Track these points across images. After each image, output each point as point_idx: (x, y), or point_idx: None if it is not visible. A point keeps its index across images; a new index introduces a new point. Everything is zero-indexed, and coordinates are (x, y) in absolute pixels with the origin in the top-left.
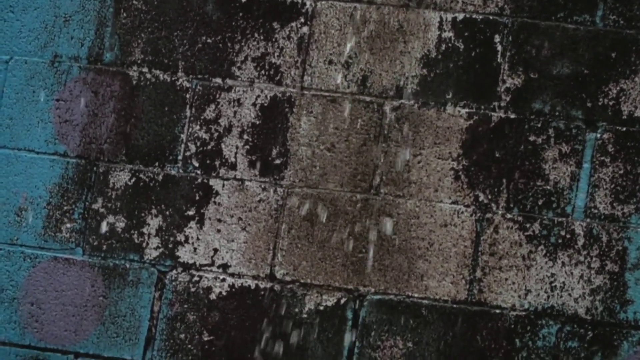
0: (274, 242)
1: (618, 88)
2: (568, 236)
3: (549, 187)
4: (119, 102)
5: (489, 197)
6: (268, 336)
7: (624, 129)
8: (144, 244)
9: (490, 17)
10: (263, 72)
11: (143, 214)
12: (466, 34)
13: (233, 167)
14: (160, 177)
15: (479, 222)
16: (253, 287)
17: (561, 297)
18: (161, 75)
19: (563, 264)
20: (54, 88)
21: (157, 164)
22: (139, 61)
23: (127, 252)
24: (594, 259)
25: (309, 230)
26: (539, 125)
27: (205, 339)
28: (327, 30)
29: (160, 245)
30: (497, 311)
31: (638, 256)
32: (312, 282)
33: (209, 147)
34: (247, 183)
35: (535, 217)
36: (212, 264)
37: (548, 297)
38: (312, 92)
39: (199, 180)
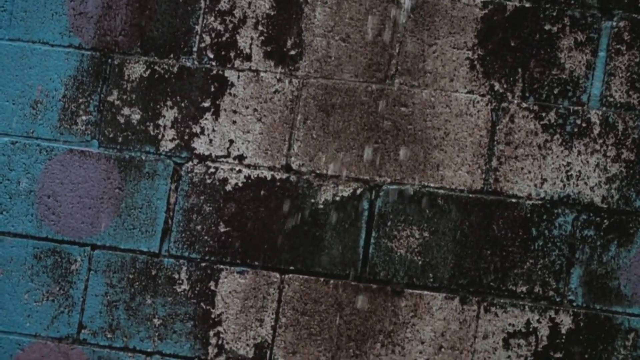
0: (289, 133)
1: None
2: (584, 125)
3: (564, 76)
4: None
5: (505, 86)
6: (284, 227)
7: None
8: (160, 136)
9: None
10: None
11: (158, 106)
12: None
13: (248, 58)
14: (175, 69)
15: (495, 112)
16: (269, 178)
17: (577, 185)
18: None
19: (579, 152)
20: None
21: (172, 55)
22: None
23: (142, 144)
24: (609, 147)
25: (325, 121)
26: (554, 14)
27: (222, 230)
28: None
29: (175, 137)
30: (513, 200)
31: None
32: (328, 172)
33: (224, 38)
34: (262, 74)
35: (551, 106)
36: (228, 155)
37: (564, 185)
38: None
39: (214, 72)
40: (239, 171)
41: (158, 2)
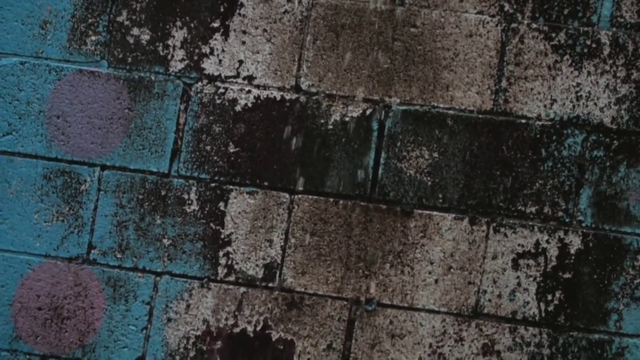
0: (299, 54)
1: None
2: (594, 45)
3: None
4: None
5: (515, 6)
6: (293, 148)
7: None
8: (169, 56)
9: None
10: None
11: (168, 26)
12: None
13: None
14: None
15: (505, 32)
16: (278, 98)
17: (587, 106)
18: None
19: (589, 73)
20: None
21: None
22: None
23: (152, 64)
24: (619, 68)
25: (334, 41)
26: None
27: (231, 150)
28: None
29: (185, 57)
30: (523, 121)
31: None
32: (338, 93)
33: None
34: None
35: (561, 26)
36: (238, 75)
37: (574, 106)
38: None
39: None
40: (249, 91)
41: None
